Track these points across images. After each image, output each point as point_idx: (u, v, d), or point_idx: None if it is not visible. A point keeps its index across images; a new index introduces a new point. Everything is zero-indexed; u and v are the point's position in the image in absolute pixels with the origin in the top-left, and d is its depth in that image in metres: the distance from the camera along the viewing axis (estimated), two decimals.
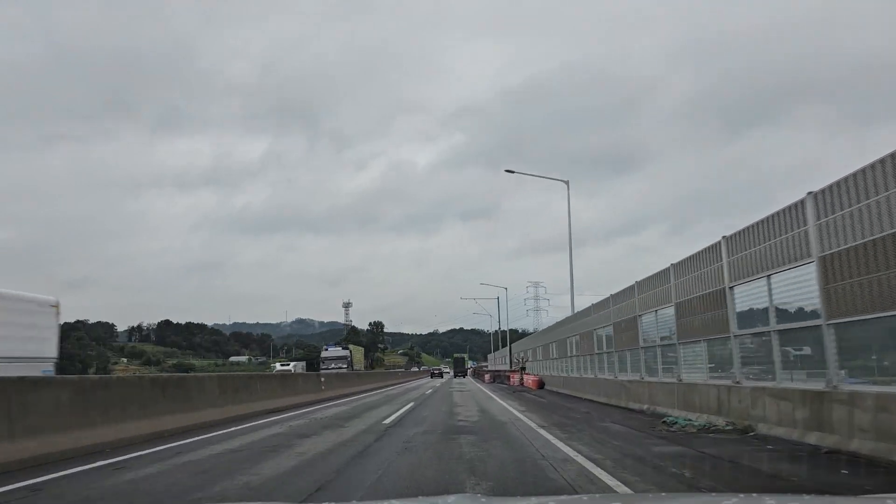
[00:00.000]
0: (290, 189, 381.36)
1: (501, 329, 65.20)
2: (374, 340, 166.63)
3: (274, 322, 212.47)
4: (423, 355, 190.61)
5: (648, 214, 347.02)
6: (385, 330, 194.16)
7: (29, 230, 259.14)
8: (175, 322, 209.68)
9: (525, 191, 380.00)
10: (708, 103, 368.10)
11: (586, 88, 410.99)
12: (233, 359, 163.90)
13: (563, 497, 3.25)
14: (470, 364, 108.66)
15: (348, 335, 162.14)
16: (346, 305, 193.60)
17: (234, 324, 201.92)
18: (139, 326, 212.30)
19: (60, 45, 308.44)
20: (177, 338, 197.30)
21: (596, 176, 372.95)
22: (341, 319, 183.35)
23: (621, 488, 4.70)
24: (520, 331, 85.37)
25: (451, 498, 3.00)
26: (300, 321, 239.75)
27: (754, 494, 2.21)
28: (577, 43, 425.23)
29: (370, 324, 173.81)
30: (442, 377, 65.25)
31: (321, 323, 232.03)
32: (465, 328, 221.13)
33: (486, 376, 43.86)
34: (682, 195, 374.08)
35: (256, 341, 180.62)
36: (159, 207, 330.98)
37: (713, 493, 4.04)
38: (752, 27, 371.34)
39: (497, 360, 60.37)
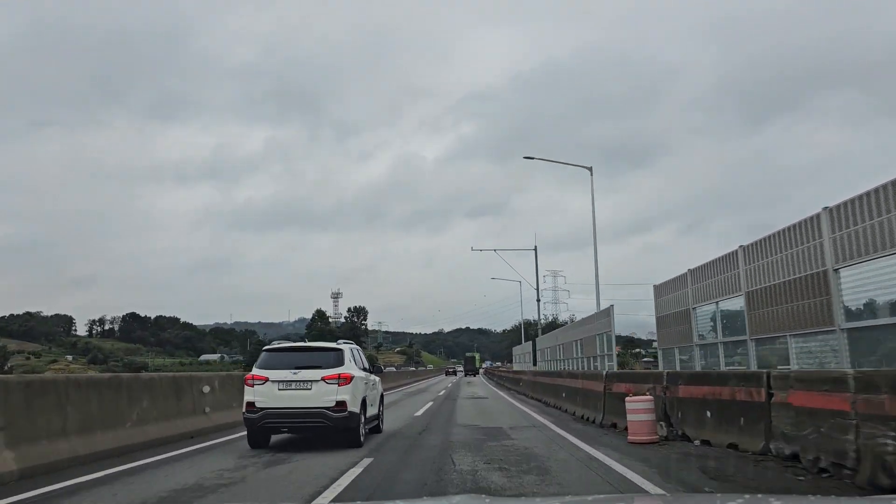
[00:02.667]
0: (295, 183, 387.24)
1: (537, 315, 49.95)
2: (354, 332, 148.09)
3: (277, 321, 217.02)
4: (424, 354, 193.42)
5: (663, 211, 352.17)
6: (388, 329, 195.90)
7: (23, 225, 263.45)
8: (143, 316, 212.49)
9: (536, 187, 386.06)
10: (729, 91, 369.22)
11: (602, 75, 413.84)
12: (204, 357, 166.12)
13: (567, 497, 3.44)
14: (485, 363, 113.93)
15: (312, 323, 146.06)
16: (336, 296, 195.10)
17: (237, 322, 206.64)
18: (101, 320, 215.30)
19: (47, 23, 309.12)
20: (144, 333, 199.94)
21: (610, 170, 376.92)
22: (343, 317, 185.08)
23: None
24: (543, 322, 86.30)
25: (456, 498, 3.23)
26: (303, 320, 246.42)
27: (759, 495, 2.36)
28: (593, 26, 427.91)
29: (349, 310, 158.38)
30: (455, 375, 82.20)
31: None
32: (471, 327, 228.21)
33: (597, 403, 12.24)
34: (699, 191, 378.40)
35: (238, 338, 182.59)
36: (157, 202, 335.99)
37: (718, 494, 4.30)
38: (779, 7, 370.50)
39: (552, 353, 35.45)
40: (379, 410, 10.47)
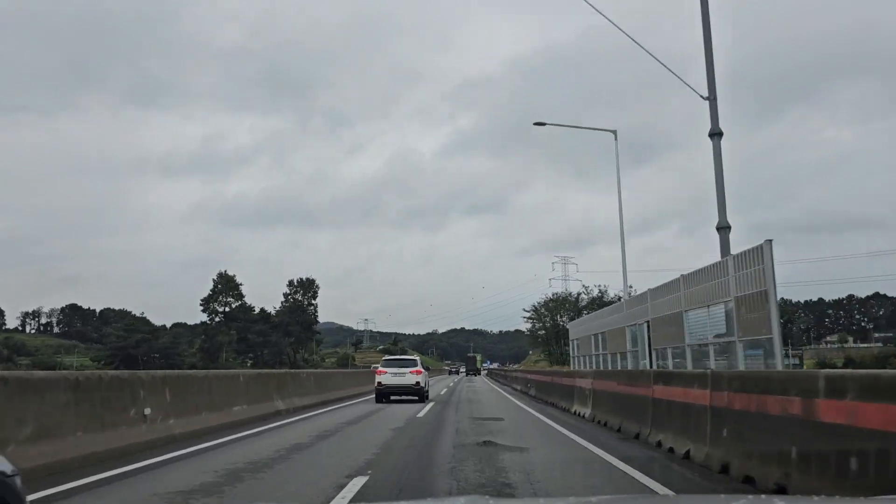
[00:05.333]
0: (286, 178, 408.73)
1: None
2: (297, 317, 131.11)
3: None
4: (412, 353, 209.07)
5: (666, 211, 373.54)
6: (381, 330, 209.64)
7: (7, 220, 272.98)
8: (86, 308, 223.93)
9: (536, 184, 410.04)
10: (741, 82, 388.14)
11: (609, 62, 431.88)
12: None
13: (571, 499, 4.29)
14: (489, 364, 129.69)
15: (213, 296, 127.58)
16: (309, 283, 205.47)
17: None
18: (35, 312, 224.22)
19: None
20: (85, 328, 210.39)
21: (613, 166, 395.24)
22: (336, 319, 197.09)
23: None
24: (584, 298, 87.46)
25: (461, 500, 4.08)
26: None
27: (763, 496, 3.12)
28: (600, 9, 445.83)
29: (290, 283, 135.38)
30: (458, 374, 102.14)
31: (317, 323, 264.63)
32: (466, 328, 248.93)
33: None
34: (703, 189, 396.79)
35: (197, 335, 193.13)
36: (142, 195, 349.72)
37: (723, 495, 5.23)
38: None
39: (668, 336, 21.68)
40: (428, 387, 25.24)
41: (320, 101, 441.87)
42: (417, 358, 24.85)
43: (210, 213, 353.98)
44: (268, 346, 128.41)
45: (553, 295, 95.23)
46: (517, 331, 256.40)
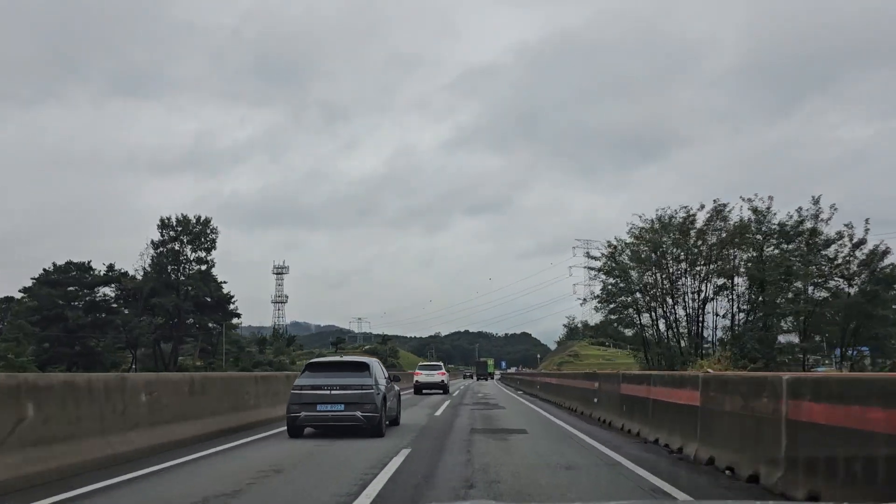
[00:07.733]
0: (281, 177, 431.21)
1: None
2: (172, 282, 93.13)
3: (268, 324, 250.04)
4: (405, 354, 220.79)
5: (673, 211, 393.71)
6: (381, 331, 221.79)
7: None
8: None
9: (538, 185, 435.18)
10: (754, 72, 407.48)
11: (619, 50, 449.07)
12: None
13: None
14: (504, 367, 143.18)
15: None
16: (280, 271, 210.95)
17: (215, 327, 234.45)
18: None
19: None
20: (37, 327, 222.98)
21: (620, 163, 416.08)
22: (337, 322, 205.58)
23: None
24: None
25: None
26: (295, 324, 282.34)
27: (770, 502, 4.37)
28: None
29: (164, 224, 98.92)
30: (473, 378, 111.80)
31: (317, 326, 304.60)
32: (470, 330, 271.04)
33: None
34: (712, 188, 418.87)
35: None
36: (130, 193, 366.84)
37: (722, 500, 6.26)
38: None
39: None
40: (449, 383, 41.98)
41: (316, 93, 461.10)
42: (441, 364, 43.62)
43: (203, 212, 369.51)
44: (111, 330, 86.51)
45: (659, 214, 52.74)
46: (524, 333, 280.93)
